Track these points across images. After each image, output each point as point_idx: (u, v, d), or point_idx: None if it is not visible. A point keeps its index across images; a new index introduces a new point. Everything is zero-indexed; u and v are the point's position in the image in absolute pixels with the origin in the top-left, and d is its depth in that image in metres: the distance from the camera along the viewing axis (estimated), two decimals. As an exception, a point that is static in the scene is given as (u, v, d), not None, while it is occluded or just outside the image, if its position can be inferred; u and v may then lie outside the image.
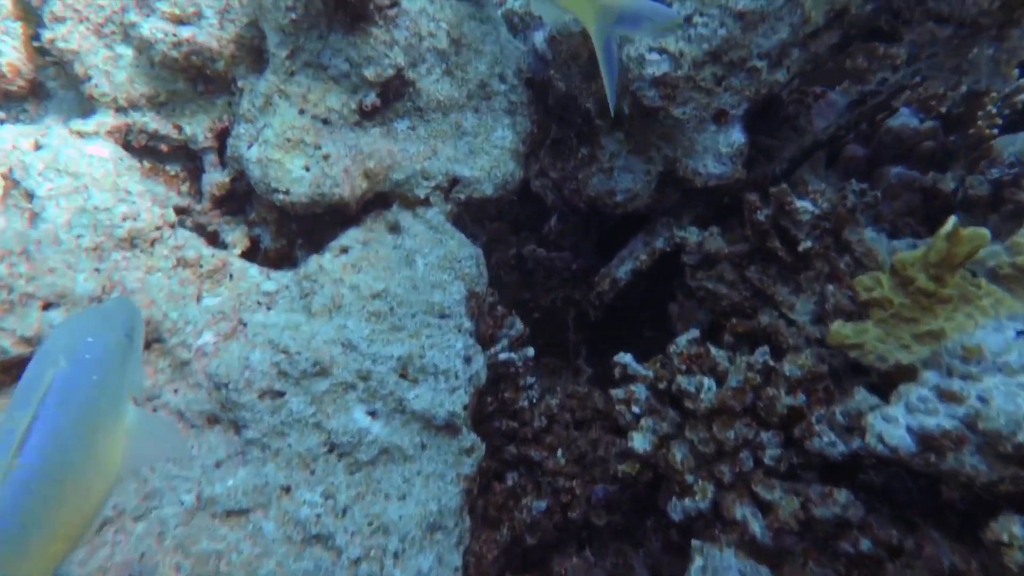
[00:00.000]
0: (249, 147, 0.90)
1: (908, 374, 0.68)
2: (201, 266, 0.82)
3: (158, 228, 0.78)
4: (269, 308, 0.85)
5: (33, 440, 0.44)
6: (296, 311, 0.86)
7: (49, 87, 0.94)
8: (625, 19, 0.75)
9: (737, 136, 0.97)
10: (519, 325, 1.06)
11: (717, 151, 0.99)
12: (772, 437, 0.76)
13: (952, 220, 0.66)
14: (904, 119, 1.28)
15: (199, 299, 0.80)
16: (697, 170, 1.01)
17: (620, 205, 1.16)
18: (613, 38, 0.76)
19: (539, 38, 1.23)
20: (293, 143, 0.89)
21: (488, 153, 1.04)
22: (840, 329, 0.75)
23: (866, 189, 1.16)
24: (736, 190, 1.04)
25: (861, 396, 0.70)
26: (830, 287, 0.87)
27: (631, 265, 1.19)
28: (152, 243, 0.77)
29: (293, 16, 0.85)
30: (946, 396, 0.56)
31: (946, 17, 0.79)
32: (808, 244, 0.87)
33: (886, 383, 0.73)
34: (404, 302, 0.89)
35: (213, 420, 0.72)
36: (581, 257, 1.44)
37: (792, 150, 1.05)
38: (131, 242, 0.75)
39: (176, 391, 0.71)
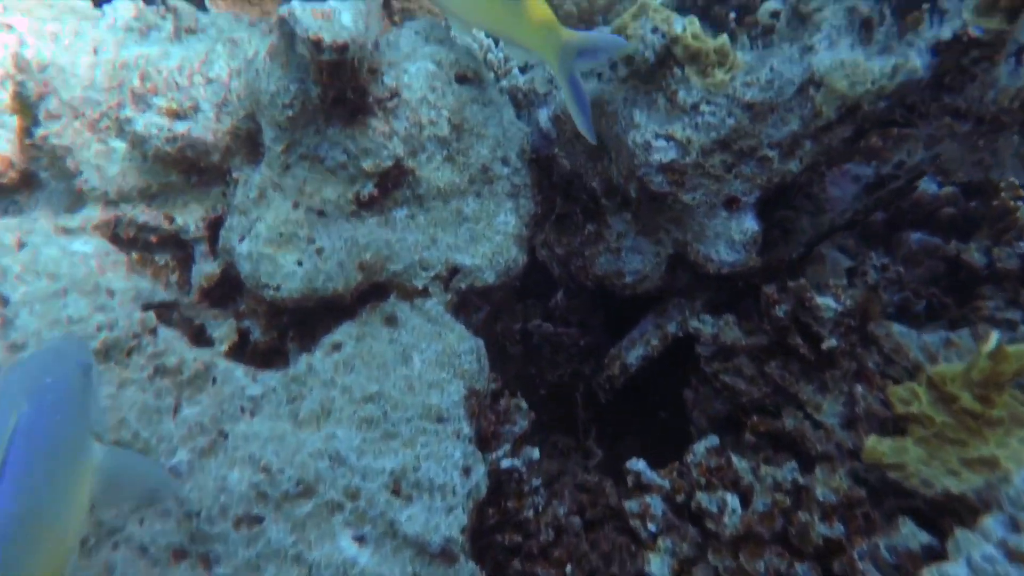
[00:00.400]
0: (241, 240, 0.87)
1: (960, 506, 0.61)
2: (182, 372, 0.77)
3: (136, 336, 0.74)
4: (253, 415, 0.79)
5: (5, 486, 0.44)
6: (282, 418, 0.80)
7: (42, 177, 0.92)
8: (584, 53, 0.81)
9: (750, 224, 0.93)
10: (522, 421, 0.99)
11: (730, 238, 0.95)
12: (808, 571, 0.67)
13: (995, 337, 0.60)
14: (922, 184, 1.24)
15: (177, 410, 0.74)
16: (709, 256, 0.97)
17: (629, 287, 1.11)
18: (576, 72, 0.81)
19: (543, 116, 1.22)
20: (286, 237, 0.85)
21: (490, 239, 1.00)
22: (876, 446, 0.68)
23: (888, 264, 1.11)
24: (751, 276, 1.00)
25: (908, 530, 0.62)
26: (859, 388, 0.81)
27: (642, 351, 1.13)
28: (129, 353, 0.73)
29: (290, 113, 0.83)
30: (1017, 558, 0.49)
31: (964, 113, 0.76)
32: (832, 343, 0.81)
33: (934, 510, 0.65)
34: (399, 405, 0.83)
35: (180, 555, 0.65)
36: (589, 334, 1.38)
37: (809, 234, 1.01)
38: (105, 354, 0.70)
39: (142, 521, 0.65)
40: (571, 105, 0.82)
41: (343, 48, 0.78)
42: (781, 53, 0.88)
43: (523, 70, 1.67)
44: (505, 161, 1.07)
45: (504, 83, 1.63)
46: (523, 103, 1.32)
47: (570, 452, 1.39)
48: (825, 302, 0.82)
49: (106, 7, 1.02)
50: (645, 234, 1.08)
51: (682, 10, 1.47)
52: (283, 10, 0.78)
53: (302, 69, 0.82)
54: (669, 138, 0.95)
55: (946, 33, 0.73)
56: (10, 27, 0.94)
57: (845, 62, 0.77)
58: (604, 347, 1.35)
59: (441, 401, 0.85)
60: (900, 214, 1.24)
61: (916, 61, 0.73)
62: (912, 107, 0.81)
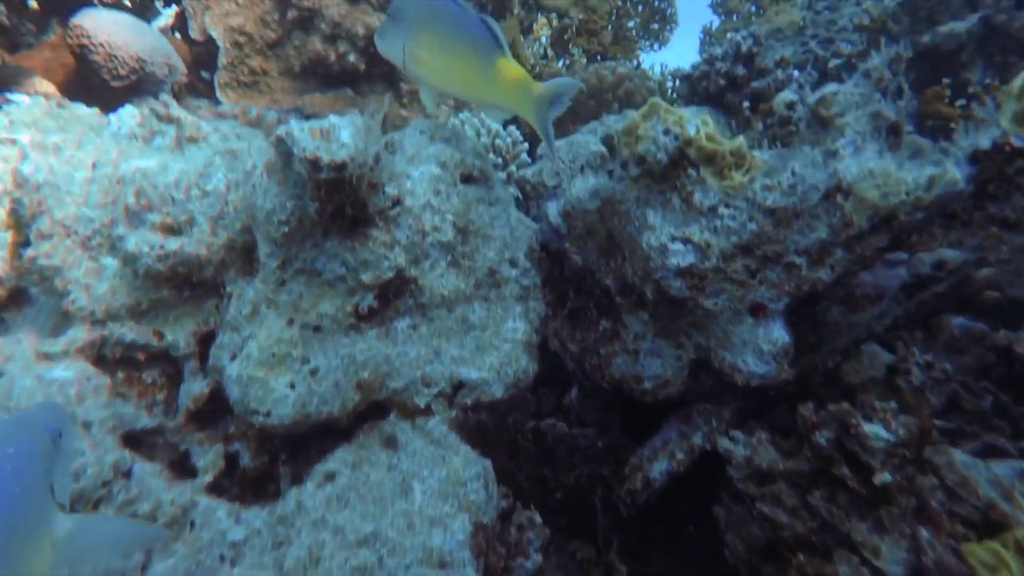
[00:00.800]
0: (231, 360, 0.81)
1: None
2: (156, 519, 0.69)
3: (106, 483, 0.67)
4: (234, 564, 0.71)
5: None
6: (266, 567, 0.71)
7: (32, 293, 0.88)
8: (554, 101, 0.88)
9: (779, 333, 0.85)
10: (536, 555, 0.89)
11: (758, 347, 0.87)
12: None
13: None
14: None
15: (146, 568, 0.66)
16: (737, 366, 0.89)
17: (649, 393, 1.03)
18: (550, 120, 0.89)
19: (553, 210, 1.18)
20: (278, 359, 0.80)
21: (498, 348, 0.94)
22: (957, 623, 0.57)
23: (932, 361, 1.01)
24: (783, 386, 0.91)
25: None
26: (924, 533, 0.70)
27: (666, 465, 1.03)
28: (96, 503, 0.66)
29: (286, 230, 0.80)
30: None
31: (1013, 224, 0.70)
32: (887, 478, 0.72)
33: None
34: (396, 548, 0.74)
35: None
36: (607, 434, 1.28)
37: (845, 336, 0.92)
38: (71, 509, 0.64)
39: None
40: (549, 149, 0.92)
41: (341, 167, 0.75)
42: (803, 156, 0.84)
43: (531, 154, 1.66)
44: (513, 263, 1.02)
45: (513, 167, 1.62)
46: (532, 195, 1.29)
47: (590, 566, 1.27)
48: (874, 431, 0.73)
49: (111, 115, 1.03)
50: (664, 336, 1.01)
51: (694, 96, 1.47)
52: (281, 130, 0.75)
53: (299, 186, 0.79)
54: (686, 241, 0.90)
55: (984, 142, 0.68)
56: (14, 142, 0.94)
57: (875, 171, 0.72)
58: (623, 449, 1.25)
59: (444, 542, 0.76)
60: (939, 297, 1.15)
61: (955, 172, 0.68)
62: (953, 215, 0.75)
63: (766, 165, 0.88)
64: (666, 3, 2.46)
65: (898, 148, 0.75)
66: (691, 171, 0.90)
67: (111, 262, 0.83)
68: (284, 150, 0.77)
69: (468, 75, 0.88)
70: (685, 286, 0.90)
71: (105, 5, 1.88)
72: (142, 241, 0.81)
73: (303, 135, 0.74)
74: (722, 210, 0.88)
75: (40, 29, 1.41)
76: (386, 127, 2.02)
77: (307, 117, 1.84)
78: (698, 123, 0.91)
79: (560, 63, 2.59)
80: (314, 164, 0.74)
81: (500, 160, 1.56)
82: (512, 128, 1.63)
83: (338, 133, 0.76)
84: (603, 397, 1.30)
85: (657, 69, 2.24)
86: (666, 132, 0.90)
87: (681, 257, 0.89)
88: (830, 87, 0.80)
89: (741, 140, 0.88)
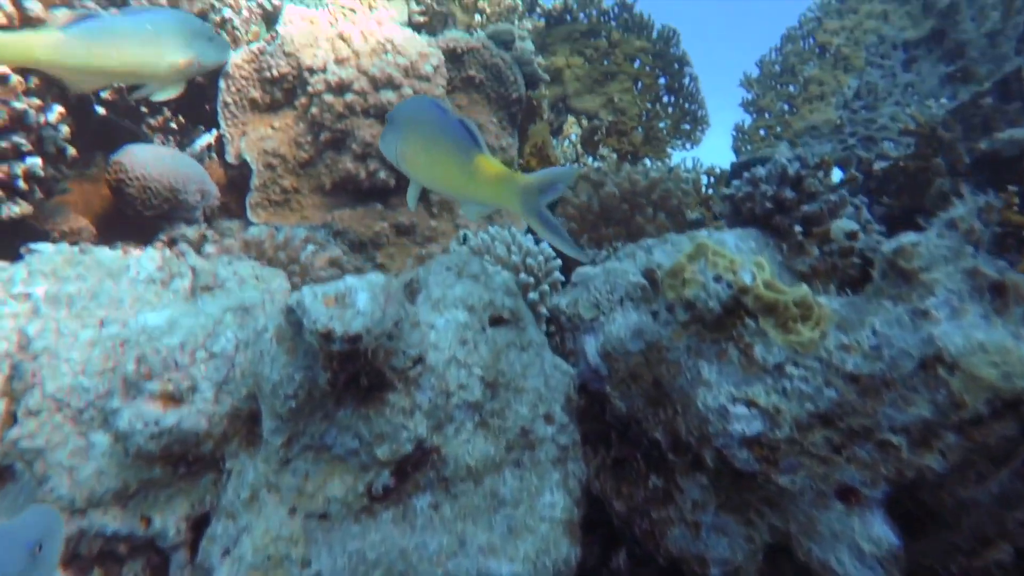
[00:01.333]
0: (223, 557, 0.70)
1: None
2: None
3: None
4: None
5: None
6: None
7: (17, 469, 0.81)
8: (545, 190, 0.85)
9: (882, 530, 0.69)
10: None
11: (855, 544, 0.71)
12: None
13: None
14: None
15: None
16: (830, 566, 0.72)
17: (715, 580, 0.86)
18: (543, 209, 0.86)
19: (591, 347, 1.07)
20: (275, 561, 0.68)
21: (533, 531, 0.80)
22: None
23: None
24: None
25: None
26: None
27: (742, 677, 0.83)
28: None
29: (293, 404, 0.71)
30: None
31: None
32: None
33: None
34: None
35: None
36: (662, 610, 1.09)
37: (964, 531, 0.75)
38: None
39: None
40: (552, 240, 0.88)
41: (356, 339, 0.67)
42: (883, 311, 0.72)
43: (564, 272, 1.59)
44: (548, 418, 0.91)
45: (545, 286, 1.54)
46: (567, 327, 1.19)
47: None
48: None
49: (131, 260, 1.00)
50: (730, 510, 0.85)
51: (737, 215, 1.39)
52: (292, 300, 0.69)
53: (310, 356, 0.71)
54: (751, 404, 0.77)
55: None
56: (28, 296, 0.90)
57: (987, 346, 0.60)
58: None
59: None
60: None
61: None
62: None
63: (837, 316, 0.77)
64: (696, 105, 2.47)
65: (1005, 311, 0.63)
66: (749, 321, 0.79)
67: (101, 439, 0.75)
68: (295, 320, 0.70)
69: (449, 171, 0.91)
70: (754, 458, 0.76)
71: (152, 129, 1.98)
72: (136, 417, 0.73)
73: (315, 304, 0.67)
74: (790, 370, 0.75)
75: (84, 164, 1.46)
76: (415, 236, 1.99)
77: (336, 233, 1.84)
78: (752, 268, 0.81)
79: (591, 161, 2.60)
80: (326, 337, 0.66)
81: (532, 279, 1.49)
82: (544, 245, 1.57)
83: (354, 298, 0.69)
84: (657, 565, 1.12)
85: (689, 163, 2.20)
86: (717, 279, 0.80)
87: (746, 424, 0.76)
88: (908, 237, 0.70)
89: (806, 290, 0.77)
